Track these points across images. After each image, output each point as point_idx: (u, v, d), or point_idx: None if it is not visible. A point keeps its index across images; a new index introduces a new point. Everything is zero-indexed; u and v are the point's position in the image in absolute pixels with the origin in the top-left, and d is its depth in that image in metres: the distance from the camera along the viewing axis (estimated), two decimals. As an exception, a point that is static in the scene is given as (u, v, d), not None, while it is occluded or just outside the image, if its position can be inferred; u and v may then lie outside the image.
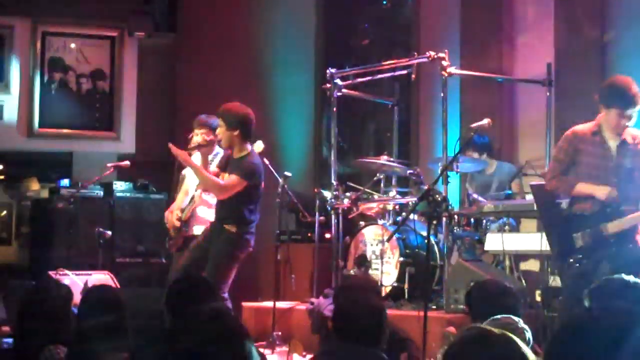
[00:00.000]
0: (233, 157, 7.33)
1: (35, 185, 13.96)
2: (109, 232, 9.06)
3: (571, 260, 6.39)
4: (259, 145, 8.09)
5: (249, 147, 7.33)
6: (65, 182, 10.74)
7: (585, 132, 6.48)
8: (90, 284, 7.67)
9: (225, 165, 7.38)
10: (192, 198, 7.90)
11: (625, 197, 6.26)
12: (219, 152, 7.76)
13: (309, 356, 6.88)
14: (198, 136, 7.62)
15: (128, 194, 10.35)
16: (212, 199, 7.70)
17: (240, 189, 7.17)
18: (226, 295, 7.14)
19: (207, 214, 7.84)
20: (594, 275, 5.91)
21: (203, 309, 2.54)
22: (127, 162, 9.04)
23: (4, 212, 15.10)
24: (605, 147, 6.38)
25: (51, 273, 8.23)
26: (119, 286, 8.28)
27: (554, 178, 6.51)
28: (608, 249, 6.23)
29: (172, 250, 8.08)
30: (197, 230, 7.82)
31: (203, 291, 4.50)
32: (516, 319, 4.65)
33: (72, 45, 11.69)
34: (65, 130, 11.65)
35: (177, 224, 7.86)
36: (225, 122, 7.28)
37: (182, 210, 7.93)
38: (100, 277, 8.29)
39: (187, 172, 8.00)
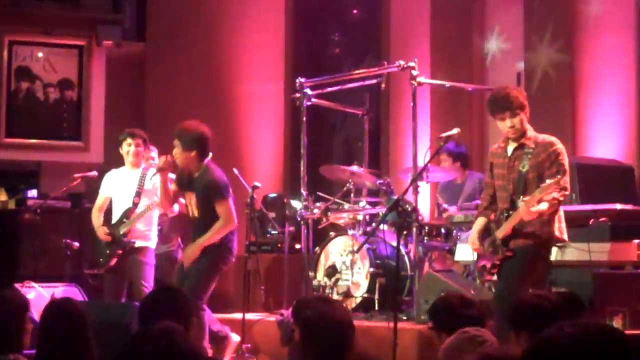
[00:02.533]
0: (193, 176, 7.30)
1: (2, 196, 13.82)
2: (77, 244, 8.96)
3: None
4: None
5: (206, 163, 7.31)
6: (32, 192, 10.63)
7: (497, 145, 6.61)
8: (57, 296, 7.60)
9: (187, 184, 7.34)
10: (131, 211, 7.90)
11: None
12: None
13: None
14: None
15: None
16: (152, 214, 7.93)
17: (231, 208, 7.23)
18: (205, 306, 7.21)
19: (141, 226, 7.94)
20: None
21: (153, 328, 2.49)
22: (94, 172, 8.96)
23: (-30, 223, 14.97)
24: (505, 156, 6.42)
25: (17, 285, 8.13)
26: (86, 298, 8.21)
27: (482, 198, 6.77)
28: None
29: (105, 270, 7.99)
30: (138, 243, 7.83)
31: (175, 307, 4.43)
32: (483, 330, 4.62)
33: (40, 55, 11.58)
34: (32, 140, 11.53)
35: (108, 238, 7.86)
36: (181, 143, 7.25)
37: (119, 224, 7.91)
38: (68, 289, 8.21)
39: (108, 186, 8.14)
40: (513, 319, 4.54)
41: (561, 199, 6.12)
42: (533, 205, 5.96)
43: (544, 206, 6.02)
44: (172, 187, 7.44)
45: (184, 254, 7.36)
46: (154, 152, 8.86)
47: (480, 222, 6.54)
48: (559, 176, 5.99)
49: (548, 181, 5.95)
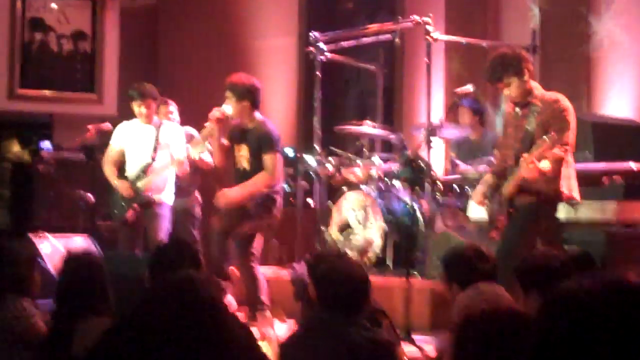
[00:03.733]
0: (246, 127, 7.38)
1: (15, 147, 13.85)
2: (90, 195, 8.99)
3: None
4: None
5: (258, 115, 7.40)
6: (46, 144, 10.65)
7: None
8: (70, 248, 7.64)
9: (240, 136, 7.39)
10: (150, 165, 7.93)
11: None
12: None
13: (291, 322, 6.87)
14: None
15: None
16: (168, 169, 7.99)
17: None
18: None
19: (158, 180, 8.01)
20: None
21: (174, 276, 2.50)
22: (107, 124, 8.96)
23: (-16, 174, 15.03)
24: (515, 115, 6.48)
25: (31, 235, 8.17)
26: (99, 249, 8.25)
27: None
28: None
29: (122, 223, 8.04)
30: (155, 197, 7.94)
31: (185, 258, 4.47)
32: (497, 286, 4.64)
33: (53, 6, 11.53)
34: (46, 92, 11.52)
35: (132, 193, 7.95)
36: (234, 94, 7.34)
37: (137, 179, 7.94)
38: (81, 241, 8.24)
39: (120, 139, 8.16)
40: (521, 277, 4.54)
41: (563, 154, 6.09)
42: (532, 162, 5.95)
43: (545, 164, 5.99)
44: (224, 141, 7.48)
45: (222, 195, 7.34)
46: (172, 107, 8.88)
47: (488, 179, 6.56)
48: (552, 133, 5.97)
49: (544, 137, 5.94)
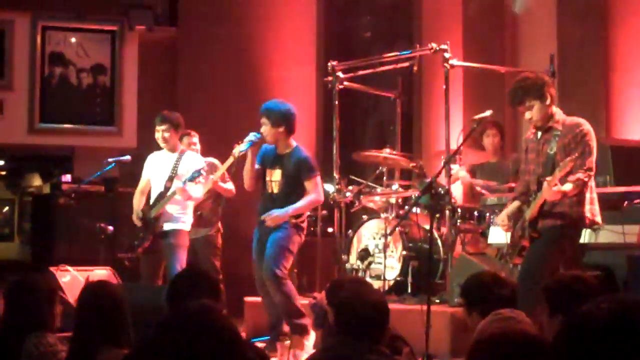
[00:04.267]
0: (280, 153, 7.43)
1: (37, 181, 13.91)
2: (111, 228, 9.02)
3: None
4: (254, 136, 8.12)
5: (293, 141, 7.47)
6: (67, 177, 10.71)
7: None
8: (91, 280, 7.66)
9: (273, 161, 7.45)
10: (163, 195, 7.92)
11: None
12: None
13: (312, 351, 6.84)
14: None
15: (130, 189, 10.32)
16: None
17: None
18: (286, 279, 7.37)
19: (174, 209, 7.98)
20: None
21: (189, 305, 2.50)
22: (127, 157, 9.01)
23: (6, 208, 15.07)
24: (536, 140, 6.45)
25: (52, 269, 8.20)
26: (120, 281, 8.26)
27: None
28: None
29: (139, 253, 8.06)
30: (167, 226, 7.88)
31: (202, 288, 4.46)
32: (517, 312, 4.61)
33: (73, 40, 11.64)
34: (66, 125, 11.60)
35: (138, 222, 7.95)
36: (269, 119, 7.38)
37: (152, 207, 7.95)
38: (102, 273, 8.27)
39: (148, 169, 8.18)
40: (547, 301, 4.51)
41: (586, 179, 6.09)
42: (555, 184, 5.94)
43: (567, 187, 6.01)
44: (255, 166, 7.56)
45: (269, 215, 7.34)
46: (195, 138, 8.93)
47: (514, 205, 6.54)
48: (576, 154, 5.97)
49: (566, 160, 5.94)
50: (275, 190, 7.43)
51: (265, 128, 7.38)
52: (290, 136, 7.45)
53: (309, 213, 7.73)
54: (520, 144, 10.05)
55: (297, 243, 7.44)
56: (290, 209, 7.30)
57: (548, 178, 6.02)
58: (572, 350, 1.86)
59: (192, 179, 7.84)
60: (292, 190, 7.36)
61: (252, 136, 7.40)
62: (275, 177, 7.43)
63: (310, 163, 7.43)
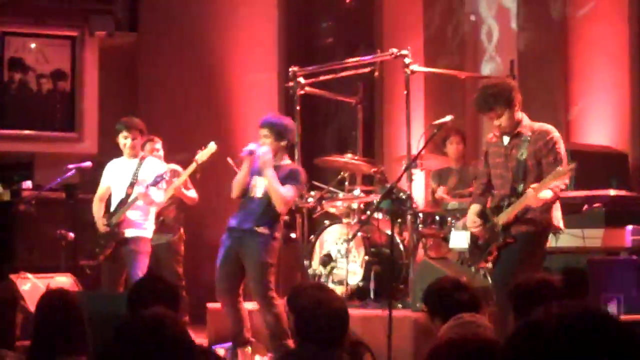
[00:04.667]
0: (276, 164, 7.34)
1: (-4, 188, 13.78)
2: (72, 234, 8.97)
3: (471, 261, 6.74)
4: (211, 147, 8.09)
5: (286, 159, 7.49)
6: (27, 184, 10.63)
7: (492, 137, 6.63)
8: (52, 288, 7.60)
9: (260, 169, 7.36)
10: (124, 202, 7.87)
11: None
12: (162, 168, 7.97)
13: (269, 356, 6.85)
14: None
15: (90, 195, 10.26)
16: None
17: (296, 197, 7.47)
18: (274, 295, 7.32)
19: (135, 216, 7.93)
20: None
21: (144, 313, 2.49)
22: (88, 163, 8.96)
23: (-35, 215, 14.96)
24: (500, 144, 6.45)
25: (13, 276, 8.14)
26: (81, 289, 8.21)
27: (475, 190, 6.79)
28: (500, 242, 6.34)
29: (101, 260, 8.01)
30: (128, 233, 7.84)
31: (161, 295, 4.44)
32: (478, 316, 4.63)
33: (32, 45, 11.56)
34: (26, 132, 11.51)
35: (106, 229, 7.89)
36: (272, 132, 7.32)
37: (113, 215, 7.91)
38: (63, 280, 8.21)
39: (108, 176, 8.12)
40: (513, 303, 4.53)
41: (563, 187, 6.15)
42: (541, 192, 5.99)
43: (548, 194, 6.08)
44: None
45: (264, 158, 7.22)
46: (158, 144, 8.90)
47: (475, 208, 6.56)
48: (560, 166, 6.02)
49: (559, 168, 5.98)
50: (259, 195, 7.35)
51: (267, 141, 7.29)
52: (287, 150, 7.49)
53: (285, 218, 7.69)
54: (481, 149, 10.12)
55: (275, 250, 7.39)
56: (274, 179, 7.20)
57: (534, 185, 6.05)
58: (519, 356, 1.87)
59: (155, 183, 7.81)
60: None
61: (252, 146, 7.32)
62: (260, 182, 7.35)
63: (302, 176, 7.42)
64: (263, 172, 7.19)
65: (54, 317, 4.34)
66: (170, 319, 2.45)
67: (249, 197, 7.40)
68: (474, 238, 6.60)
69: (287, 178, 7.28)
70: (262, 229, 7.27)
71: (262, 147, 7.22)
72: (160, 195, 7.94)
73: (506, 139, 6.40)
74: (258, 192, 7.36)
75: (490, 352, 2.41)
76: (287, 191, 7.24)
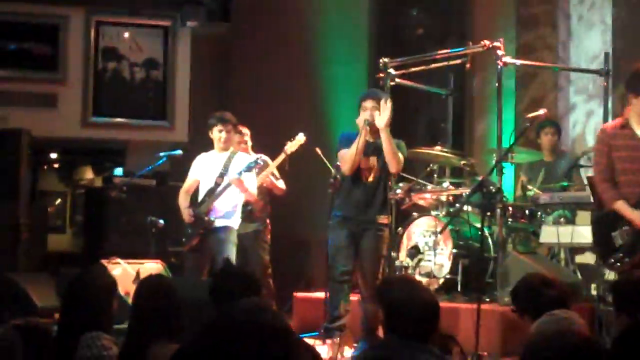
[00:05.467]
0: (379, 142, 7.28)
1: (89, 174, 14.06)
2: (161, 221, 9.07)
3: (612, 260, 6.17)
4: (300, 138, 8.10)
5: None
6: (118, 170, 10.80)
7: (614, 126, 6.28)
8: (142, 273, 7.71)
9: (372, 149, 7.32)
10: (213, 191, 7.94)
11: None
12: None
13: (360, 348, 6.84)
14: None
15: (180, 183, 10.38)
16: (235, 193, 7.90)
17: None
18: None
19: (224, 206, 7.98)
20: None
21: (241, 303, 2.50)
22: (179, 151, 9.05)
23: (59, 201, 15.26)
24: (636, 138, 6.14)
25: (104, 261, 8.26)
26: (171, 275, 8.31)
27: (601, 182, 6.28)
28: None
29: (186, 249, 8.09)
30: (217, 222, 7.89)
31: (246, 285, 4.48)
32: (571, 312, 4.57)
33: (126, 35, 11.73)
34: (119, 120, 11.70)
35: (191, 220, 7.96)
36: (379, 104, 7.25)
37: (201, 204, 7.97)
38: (153, 266, 8.31)
39: (197, 169, 8.19)
40: (614, 299, 4.42)
41: None
42: None
43: None
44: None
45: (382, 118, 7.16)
46: (246, 136, 8.95)
47: (624, 203, 6.13)
48: None
49: None
50: (371, 179, 7.32)
51: (376, 113, 7.22)
52: None
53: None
54: (568, 143, 9.97)
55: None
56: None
57: None
58: (629, 355, 1.84)
59: (249, 169, 7.88)
60: (387, 177, 7.36)
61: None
62: (372, 164, 7.31)
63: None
64: (383, 131, 7.12)
65: (152, 302, 4.40)
66: (269, 309, 2.46)
67: (362, 182, 7.33)
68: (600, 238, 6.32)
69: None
70: (382, 219, 7.29)
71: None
72: (253, 184, 8.00)
73: (639, 131, 6.14)
74: (371, 175, 7.31)
75: (589, 348, 2.37)
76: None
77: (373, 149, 7.31)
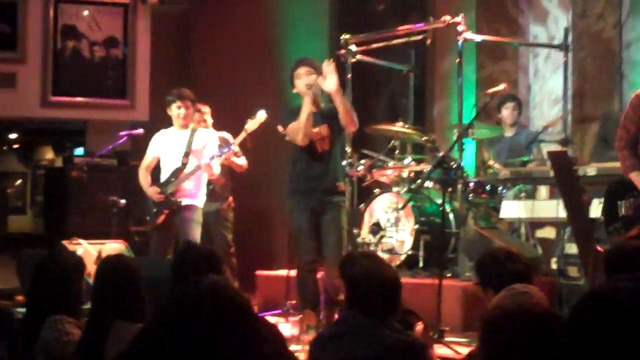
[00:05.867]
0: (322, 110, 7.18)
1: (49, 154, 13.96)
2: (123, 201, 9.04)
3: (611, 229, 6.11)
4: (261, 116, 8.08)
5: None
6: (79, 150, 10.73)
7: None
8: (104, 253, 7.68)
9: (319, 117, 7.16)
10: (180, 170, 7.93)
11: None
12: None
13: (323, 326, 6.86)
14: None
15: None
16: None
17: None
18: None
19: (190, 185, 7.99)
20: None
21: (201, 281, 2.50)
22: (140, 130, 9.02)
23: (19, 181, 15.15)
24: None
25: (65, 242, 8.22)
26: (133, 255, 8.29)
27: (621, 149, 6.08)
28: None
29: (152, 228, 8.08)
30: (184, 202, 7.89)
31: (207, 263, 4.47)
32: (531, 287, 4.60)
33: (85, 13, 11.62)
34: (79, 99, 11.60)
35: (161, 197, 7.93)
36: (315, 69, 7.11)
37: (167, 183, 7.95)
38: (115, 246, 8.28)
39: (156, 146, 8.15)
40: (605, 267, 4.39)
41: None
42: None
43: None
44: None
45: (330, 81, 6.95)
46: (207, 114, 8.92)
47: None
48: None
49: None
50: (327, 147, 7.14)
51: (313, 77, 7.08)
52: None
53: None
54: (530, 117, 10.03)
55: None
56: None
57: None
58: (582, 327, 1.84)
59: (221, 154, 7.90)
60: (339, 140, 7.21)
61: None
62: (324, 133, 7.14)
63: None
64: (336, 94, 6.96)
65: (113, 282, 4.38)
66: (230, 286, 2.46)
67: (319, 153, 7.15)
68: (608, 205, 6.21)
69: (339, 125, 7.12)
70: (341, 186, 7.19)
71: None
72: (218, 166, 8.00)
73: None
74: (326, 144, 7.15)
75: (548, 320, 2.39)
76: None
77: (320, 117, 7.14)
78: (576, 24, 9.40)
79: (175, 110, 8.05)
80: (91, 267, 7.16)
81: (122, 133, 9.01)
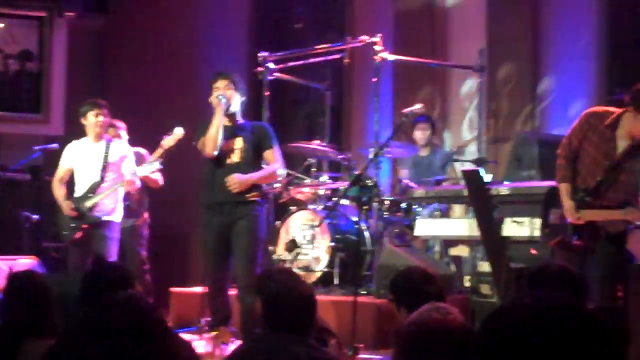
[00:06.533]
0: (237, 123, 7.17)
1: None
2: (36, 216, 8.91)
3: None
4: (178, 132, 8.04)
5: None
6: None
7: (600, 121, 6.09)
8: (15, 269, 7.55)
9: (232, 130, 7.12)
10: (98, 184, 7.86)
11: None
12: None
13: (238, 343, 6.84)
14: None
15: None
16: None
17: None
18: None
19: (108, 200, 7.90)
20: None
21: (116, 296, 2.48)
22: (54, 145, 8.91)
23: None
24: (611, 146, 6.06)
25: (-24, 258, 8.08)
26: (45, 271, 8.17)
27: (560, 157, 6.21)
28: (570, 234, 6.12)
29: (69, 243, 7.98)
30: (104, 218, 7.84)
31: (117, 280, 4.43)
32: (443, 305, 4.65)
33: (0, 26, 11.45)
34: (-9, 112, 11.40)
35: (73, 213, 7.82)
36: (235, 85, 7.13)
37: (85, 198, 7.86)
38: (27, 262, 8.16)
39: (70, 158, 8.05)
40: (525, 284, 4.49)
41: None
42: None
43: None
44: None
45: (233, 178, 6.93)
46: (122, 130, 8.84)
47: (569, 189, 6.15)
48: None
49: None
50: (237, 159, 7.07)
51: (229, 92, 7.08)
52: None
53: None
54: (444, 138, 10.15)
55: (265, 223, 7.26)
56: (252, 176, 6.98)
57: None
58: (489, 342, 1.88)
59: (149, 171, 7.87)
60: (255, 158, 7.11)
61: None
62: (236, 145, 7.08)
63: (272, 131, 7.21)
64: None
65: (22, 299, 4.32)
66: (145, 301, 2.44)
67: (227, 164, 7.09)
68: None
69: (261, 139, 7.11)
70: (253, 195, 7.07)
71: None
72: (138, 181, 7.96)
73: (620, 141, 6.02)
74: (238, 157, 7.11)
75: (462, 333, 2.42)
76: (279, 164, 7.19)
77: (233, 132, 7.11)
78: (492, 46, 9.55)
79: (93, 119, 7.94)
80: (1, 283, 7.07)
81: (35, 147, 8.89)
